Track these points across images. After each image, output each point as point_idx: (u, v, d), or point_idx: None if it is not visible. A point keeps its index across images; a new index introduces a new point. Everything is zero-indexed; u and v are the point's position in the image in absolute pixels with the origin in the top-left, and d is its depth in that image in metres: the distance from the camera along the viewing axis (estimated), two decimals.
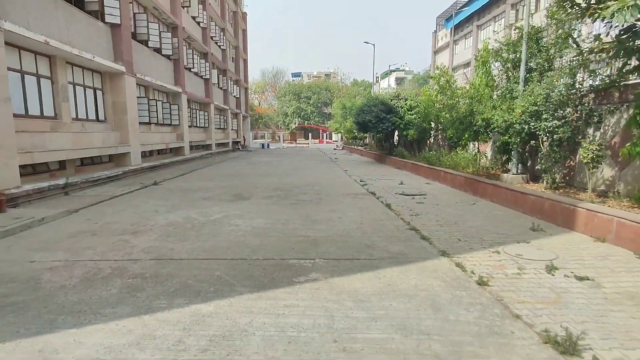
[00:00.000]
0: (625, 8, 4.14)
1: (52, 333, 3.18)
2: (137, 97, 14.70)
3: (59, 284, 4.19)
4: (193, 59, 21.62)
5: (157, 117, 16.68)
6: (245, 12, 39.72)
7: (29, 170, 9.37)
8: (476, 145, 12.59)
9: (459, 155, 12.78)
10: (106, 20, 12.38)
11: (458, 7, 38.64)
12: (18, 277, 4.41)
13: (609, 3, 4.46)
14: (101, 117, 12.97)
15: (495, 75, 11.47)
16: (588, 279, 4.38)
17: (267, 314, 3.50)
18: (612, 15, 4.37)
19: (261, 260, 5.01)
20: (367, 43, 34.06)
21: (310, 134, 57.97)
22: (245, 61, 40.10)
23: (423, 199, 9.60)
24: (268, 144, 44.06)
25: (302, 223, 7.05)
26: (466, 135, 11.69)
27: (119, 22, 12.66)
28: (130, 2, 14.05)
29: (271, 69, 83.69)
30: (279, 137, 61.92)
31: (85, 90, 12.11)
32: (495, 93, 11.15)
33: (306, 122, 68.56)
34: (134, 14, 14.83)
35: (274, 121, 70.86)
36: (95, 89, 12.66)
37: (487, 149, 12.71)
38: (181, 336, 3.12)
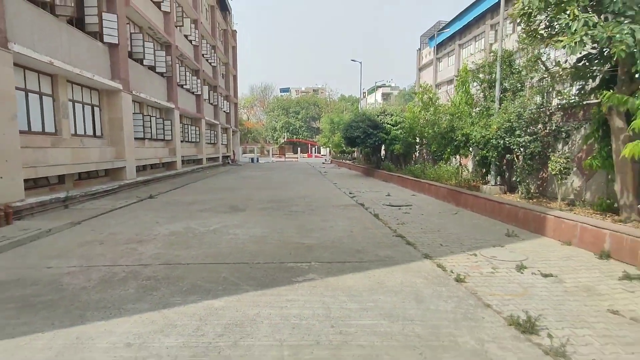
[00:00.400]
0: (573, 43, 4.88)
1: (84, 324, 3.61)
2: (133, 113, 15.13)
3: (79, 286, 4.61)
4: (185, 75, 22.19)
5: (151, 132, 17.10)
6: (235, 30, 40.64)
7: (30, 184, 9.68)
8: (458, 159, 13.36)
9: (442, 168, 13.52)
10: (105, 41, 12.90)
11: (441, 27, 40.31)
12: (40, 280, 4.81)
13: (560, 38, 5.22)
14: (98, 133, 13.36)
15: (473, 94, 12.32)
16: (552, 276, 4.99)
17: (272, 307, 3.99)
18: (565, 47, 5.11)
19: (262, 263, 5.50)
20: (354, 61, 35.24)
21: (299, 148, 58.76)
22: (234, 77, 40.84)
23: (409, 210, 10.21)
24: (257, 159, 44.57)
25: (296, 232, 7.56)
26: (448, 150, 12.45)
27: (117, 42, 13.19)
28: (127, 23, 14.62)
29: (260, 85, 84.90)
30: (268, 151, 62.56)
31: (83, 107, 12.52)
32: (473, 110, 11.98)
33: (295, 136, 69.39)
34: (131, 33, 15.38)
35: (262, 136, 71.53)
36: (93, 106, 13.08)
37: (469, 162, 13.48)
38: (199, 325, 3.60)
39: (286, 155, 58.83)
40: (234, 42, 39.85)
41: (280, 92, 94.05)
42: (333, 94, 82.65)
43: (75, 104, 12.04)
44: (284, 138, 69.11)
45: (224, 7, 35.17)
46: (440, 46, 41.19)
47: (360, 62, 35.12)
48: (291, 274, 5.03)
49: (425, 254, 5.98)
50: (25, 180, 8.94)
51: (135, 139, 15.40)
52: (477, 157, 11.60)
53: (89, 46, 12.16)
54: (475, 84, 12.18)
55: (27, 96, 9.70)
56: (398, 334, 3.43)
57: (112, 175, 13.98)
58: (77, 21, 11.84)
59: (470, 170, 13.05)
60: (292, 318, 3.74)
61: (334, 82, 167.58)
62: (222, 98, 33.71)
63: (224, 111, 35.14)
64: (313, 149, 65.50)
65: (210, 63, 29.15)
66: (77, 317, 3.77)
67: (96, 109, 13.30)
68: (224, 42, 35.78)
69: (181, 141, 21.87)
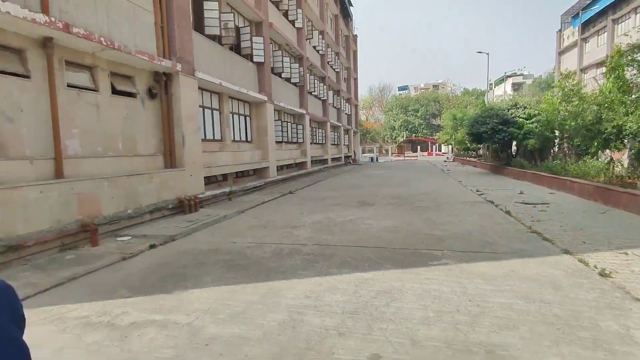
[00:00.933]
0: None
1: (271, 282, 4.88)
2: (274, 120, 17.50)
3: (259, 256, 6.03)
4: (314, 83, 24.35)
5: (287, 136, 19.46)
6: (356, 35, 42.28)
7: (205, 181, 12.26)
8: (608, 153, 11.91)
9: (587, 164, 12.22)
10: (254, 60, 15.33)
11: (587, 2, 35.00)
12: (231, 251, 6.42)
13: None
14: (249, 138, 15.94)
15: (629, 79, 10.85)
16: None
17: (413, 282, 4.69)
18: None
19: (398, 249, 6.23)
20: (481, 53, 33.15)
21: (418, 147, 57.63)
22: (355, 80, 42.47)
23: (545, 207, 9.69)
24: (377, 158, 45.43)
25: (424, 224, 8.06)
26: (595, 143, 11.23)
27: (263, 61, 15.52)
28: (270, 43, 16.99)
29: (378, 85, 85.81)
30: (387, 150, 62.91)
31: (239, 118, 15.14)
32: (629, 98, 10.57)
33: (414, 134, 68.20)
34: (272, 51, 17.80)
35: (381, 135, 72.15)
36: (245, 116, 15.68)
37: (624, 156, 11.89)
38: (355, 289, 4.51)
39: (405, 154, 58.30)
40: (354, 47, 41.51)
41: (399, 90, 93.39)
42: (455, 89, 78.46)
43: (233, 115, 14.65)
44: (402, 137, 68.54)
45: (346, 15, 37.01)
46: (586, 25, 35.81)
47: (487, 54, 32.96)
48: (426, 259, 5.64)
49: (565, 249, 5.89)
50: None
51: (275, 142, 17.74)
52: (632, 151, 10.25)
53: (243, 66, 14.67)
54: (631, 68, 10.72)
55: (204, 112, 12.32)
56: (534, 312, 3.77)
57: (258, 174, 16.46)
58: (235, 47, 14.37)
59: (625, 165, 11.51)
60: (432, 291, 4.37)
61: (457, 76, 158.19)
62: (344, 101, 35.55)
63: (346, 113, 36.96)
64: (433, 147, 63.44)
65: (334, 69, 31.13)
66: (265, 276, 5.08)
67: (247, 119, 15.89)
68: (346, 47, 37.62)
69: (310, 143, 24.05)
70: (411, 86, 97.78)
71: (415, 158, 51.98)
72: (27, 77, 6.35)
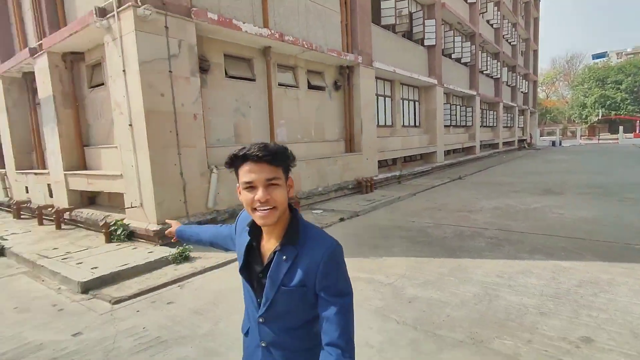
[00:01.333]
0: None
1: (457, 259, 5.13)
2: (442, 103, 17.14)
3: (440, 236, 6.32)
4: (486, 61, 22.48)
5: (456, 119, 18.74)
6: None
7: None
8: None
9: None
10: (425, 44, 15.28)
11: None
12: (411, 229, 6.90)
13: None
14: (417, 123, 16.11)
15: None
16: None
17: (627, 276, 4.23)
18: None
19: (601, 241, 5.59)
20: None
21: (620, 127, 46.49)
22: (535, 52, 37.02)
23: None
24: (559, 141, 38.91)
25: (638, 218, 6.86)
26: None
27: (434, 44, 15.31)
28: (441, 24, 16.56)
29: (564, 55, 72.16)
30: (573, 132, 53.17)
31: (408, 103, 15.45)
32: None
33: (613, 112, 55.36)
34: (444, 32, 17.31)
35: (565, 115, 61.20)
36: (414, 101, 15.88)
37: None
38: (553, 275, 4.37)
39: (600, 136, 48.08)
40: (536, 13, 36.14)
41: (593, 59, 76.70)
42: None
43: (403, 101, 15.03)
44: (597, 115, 56.50)
45: None
46: None
47: None
48: None
49: None
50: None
51: (443, 126, 17.36)
52: None
53: (414, 51, 14.82)
54: None
55: (377, 99, 13.09)
56: None
57: (425, 159, 16.51)
58: (407, 33, 14.61)
59: None
60: None
61: None
62: (520, 77, 31.59)
63: (522, 91, 32.81)
64: None
65: (509, 43, 27.93)
66: (450, 253, 5.37)
67: (416, 103, 16.04)
68: (525, 15, 33.10)
69: (480, 126, 22.50)
70: (612, 52, 78.99)
71: (616, 141, 42.28)
72: (253, 80, 8.12)
